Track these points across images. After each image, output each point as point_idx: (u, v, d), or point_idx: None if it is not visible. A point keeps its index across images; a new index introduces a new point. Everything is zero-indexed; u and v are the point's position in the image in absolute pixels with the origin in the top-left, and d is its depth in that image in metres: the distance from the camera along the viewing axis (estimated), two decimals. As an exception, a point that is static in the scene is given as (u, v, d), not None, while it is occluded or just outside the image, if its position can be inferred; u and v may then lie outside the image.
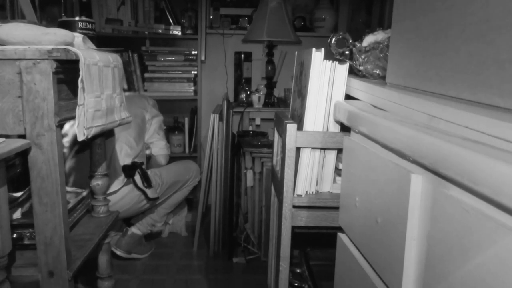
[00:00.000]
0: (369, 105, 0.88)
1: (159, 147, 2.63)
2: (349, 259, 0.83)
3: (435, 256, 0.54)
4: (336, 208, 1.03)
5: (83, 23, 1.45)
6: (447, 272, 0.51)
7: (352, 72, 1.04)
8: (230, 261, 2.57)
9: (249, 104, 2.99)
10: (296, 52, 1.20)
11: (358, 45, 0.96)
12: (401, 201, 0.60)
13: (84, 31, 1.44)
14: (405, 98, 0.71)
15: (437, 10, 0.70)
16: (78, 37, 1.30)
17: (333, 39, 1.01)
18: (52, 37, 1.19)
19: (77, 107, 1.21)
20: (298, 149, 1.02)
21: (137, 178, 2.26)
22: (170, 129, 3.06)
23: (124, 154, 2.30)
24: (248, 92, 3.03)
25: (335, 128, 1.03)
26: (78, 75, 1.20)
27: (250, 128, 2.99)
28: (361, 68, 0.96)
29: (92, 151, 1.63)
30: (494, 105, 0.56)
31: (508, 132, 0.46)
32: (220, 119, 2.52)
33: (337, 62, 1.00)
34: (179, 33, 2.99)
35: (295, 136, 0.98)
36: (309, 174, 1.04)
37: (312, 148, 1.01)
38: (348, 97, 1.02)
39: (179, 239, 2.86)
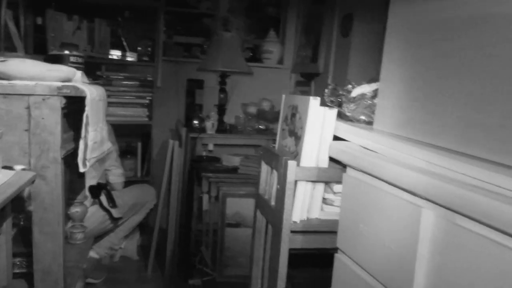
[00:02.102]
0: (359, 147, 1.06)
1: (116, 175, 2.69)
2: (350, 276, 1.00)
3: (445, 277, 0.72)
4: (325, 232, 1.20)
5: (75, 57, 1.51)
6: None
7: (339, 116, 1.22)
8: (186, 283, 2.64)
9: (202, 130, 3.10)
10: (283, 95, 1.37)
11: (348, 95, 1.15)
12: (411, 230, 0.78)
13: (75, 65, 1.50)
14: (403, 145, 0.90)
15: (427, 81, 0.90)
16: (78, 73, 1.37)
17: (326, 90, 1.20)
18: (56, 74, 1.26)
19: (80, 140, 1.27)
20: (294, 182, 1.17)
21: (103, 198, 2.32)
22: (123, 153, 3.08)
23: (90, 176, 2.35)
24: (201, 119, 3.14)
25: (324, 163, 1.20)
26: (76, 108, 1.27)
27: (204, 153, 3.10)
28: (350, 114, 1.15)
29: (71, 180, 1.66)
30: (481, 157, 0.76)
31: (506, 181, 0.65)
32: (180, 145, 2.62)
33: (327, 108, 1.18)
34: (135, 60, 3.05)
35: (295, 172, 1.14)
36: (302, 203, 1.20)
37: (307, 181, 1.18)
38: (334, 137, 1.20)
39: (131, 263, 2.88)
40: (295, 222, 1.19)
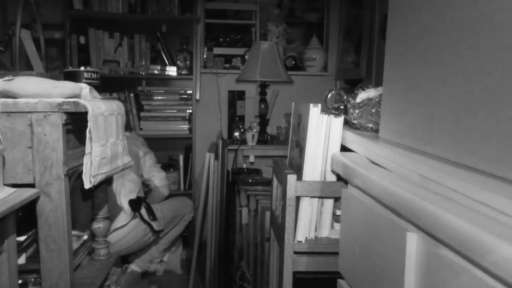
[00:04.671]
0: (364, 158, 0.95)
1: (160, 179, 2.71)
2: (349, 305, 0.88)
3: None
4: (335, 253, 1.08)
5: (88, 73, 1.52)
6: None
7: (347, 123, 1.11)
8: (226, 299, 2.58)
9: (243, 141, 3.06)
10: (293, 104, 1.28)
11: (352, 101, 1.04)
12: (398, 255, 0.66)
13: (89, 81, 1.51)
14: (398, 156, 0.78)
15: (425, 79, 0.78)
16: (85, 88, 1.36)
17: (329, 95, 1.09)
18: (61, 90, 1.26)
19: (85, 156, 1.26)
20: (298, 198, 1.08)
21: (143, 211, 2.35)
22: (165, 167, 3.10)
23: (129, 190, 2.39)
24: (242, 130, 3.10)
25: (332, 177, 1.09)
26: (85, 125, 1.26)
27: (244, 166, 3.04)
28: (355, 122, 1.03)
29: (94, 195, 1.67)
30: (478, 169, 0.63)
31: (493, 199, 0.53)
32: (216, 157, 2.58)
33: (333, 115, 1.07)
34: (174, 73, 3.08)
35: (295, 186, 1.04)
36: (308, 221, 1.09)
37: (311, 196, 1.08)
38: (343, 147, 1.09)
39: (174, 277, 2.87)
40: (299, 241, 1.09)
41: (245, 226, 2.75)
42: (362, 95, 1.02)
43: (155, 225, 2.42)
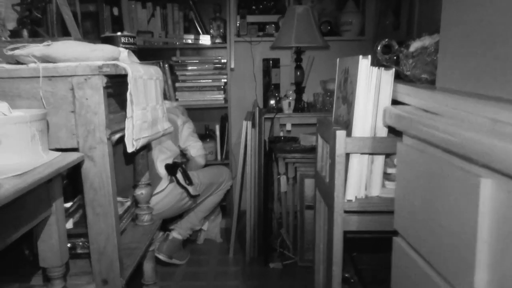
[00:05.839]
0: (420, 110, 0.89)
1: (196, 149, 2.71)
2: (408, 263, 0.84)
3: (510, 257, 0.54)
4: (386, 212, 1.04)
5: (126, 38, 1.50)
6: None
7: (398, 77, 1.05)
8: (267, 266, 2.59)
9: (279, 110, 3.01)
10: (338, 59, 1.22)
11: (405, 50, 0.97)
12: (469, 204, 0.61)
13: (126, 46, 1.49)
14: (463, 102, 0.72)
15: (494, 16, 0.71)
16: (123, 52, 1.34)
17: (379, 45, 1.03)
18: (100, 53, 1.24)
19: (126, 120, 1.25)
20: (347, 155, 1.03)
21: (179, 176, 2.36)
22: (202, 137, 3.09)
23: (165, 156, 2.41)
24: (278, 98, 3.05)
25: (382, 132, 1.04)
26: (125, 89, 1.24)
27: (281, 134, 3.00)
28: (409, 73, 0.97)
29: (135, 162, 1.67)
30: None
31: None
32: (253, 125, 2.55)
33: (383, 68, 1.01)
34: (208, 42, 3.03)
35: (345, 143, 1.00)
36: (358, 179, 1.05)
37: (361, 153, 1.03)
38: (394, 102, 1.03)
39: (214, 245, 2.90)
40: (349, 200, 1.05)
41: (283, 194, 2.73)
42: (416, 44, 0.95)
43: (191, 189, 2.43)
